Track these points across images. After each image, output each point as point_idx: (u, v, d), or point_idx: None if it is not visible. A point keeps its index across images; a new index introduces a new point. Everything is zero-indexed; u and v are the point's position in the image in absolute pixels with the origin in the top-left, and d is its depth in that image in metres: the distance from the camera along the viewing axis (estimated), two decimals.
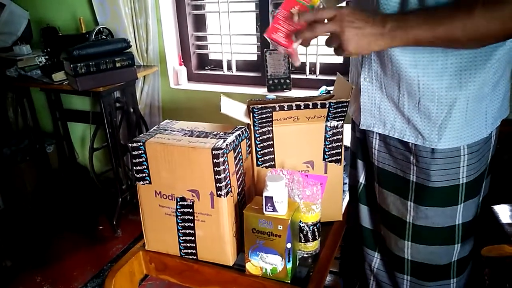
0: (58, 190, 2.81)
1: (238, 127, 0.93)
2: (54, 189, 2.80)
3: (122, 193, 2.39)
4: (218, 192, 0.84)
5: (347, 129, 1.04)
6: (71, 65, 1.96)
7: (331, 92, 1.04)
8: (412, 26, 0.69)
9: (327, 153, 0.97)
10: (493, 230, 1.10)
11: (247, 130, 0.93)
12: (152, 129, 0.94)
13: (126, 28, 2.34)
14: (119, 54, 2.11)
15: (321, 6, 0.78)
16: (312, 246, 0.92)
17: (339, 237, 1.06)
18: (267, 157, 0.97)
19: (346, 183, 1.16)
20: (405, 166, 0.89)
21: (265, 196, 0.78)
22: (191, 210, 0.88)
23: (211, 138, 0.86)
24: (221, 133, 0.89)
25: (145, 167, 0.89)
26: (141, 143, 0.87)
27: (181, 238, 0.92)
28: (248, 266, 0.86)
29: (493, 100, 0.83)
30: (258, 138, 0.94)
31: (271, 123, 0.93)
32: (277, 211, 0.79)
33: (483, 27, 0.66)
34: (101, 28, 2.29)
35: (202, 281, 0.93)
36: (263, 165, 0.97)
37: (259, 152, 0.96)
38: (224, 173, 0.82)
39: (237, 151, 0.88)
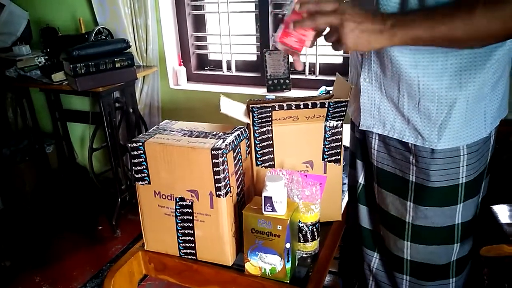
0: (57, 190, 2.81)
1: (238, 127, 0.93)
2: (53, 189, 2.80)
3: (121, 193, 2.39)
4: (217, 192, 0.84)
5: (346, 129, 1.04)
6: (71, 66, 1.96)
7: (331, 92, 1.04)
8: (412, 24, 0.69)
9: (326, 153, 0.97)
10: (492, 230, 1.10)
11: (247, 130, 0.93)
12: (152, 129, 0.94)
13: (126, 29, 2.34)
14: (118, 54, 2.11)
15: None
16: (311, 246, 0.92)
17: (338, 237, 1.06)
18: (266, 157, 0.97)
19: (345, 183, 1.16)
20: (404, 166, 0.89)
21: (264, 196, 0.79)
22: (190, 210, 0.88)
23: (210, 138, 0.86)
24: (221, 133, 0.89)
25: (145, 167, 0.89)
26: (141, 143, 0.87)
27: (180, 238, 0.92)
28: (247, 266, 0.86)
29: (492, 100, 0.83)
30: (257, 138, 0.94)
31: (270, 123, 0.93)
32: (276, 211, 0.79)
33: (483, 26, 0.66)
34: (101, 29, 2.29)
35: (201, 281, 0.93)
36: (262, 165, 0.97)
37: (259, 152, 0.96)
38: (223, 173, 0.82)
39: (236, 151, 0.88)
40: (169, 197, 0.89)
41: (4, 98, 2.74)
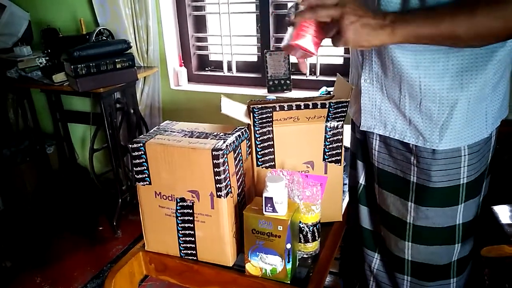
0: (58, 191, 2.81)
1: (238, 127, 0.93)
2: (54, 190, 2.80)
3: (122, 194, 2.39)
4: (218, 193, 0.84)
5: (347, 129, 1.04)
6: (72, 66, 1.96)
7: (331, 92, 1.04)
8: (413, 21, 0.68)
9: (327, 153, 0.97)
10: (493, 230, 1.10)
11: (247, 131, 0.93)
12: (152, 130, 0.94)
13: (127, 29, 2.34)
14: (119, 55, 2.11)
15: None
16: (312, 246, 0.92)
17: (339, 237, 1.06)
18: (267, 158, 0.97)
19: (346, 184, 1.16)
20: (405, 167, 0.89)
21: (265, 197, 0.78)
22: (191, 211, 0.88)
23: (211, 139, 0.86)
24: (221, 134, 0.89)
25: (145, 168, 0.89)
26: (141, 144, 0.87)
27: (181, 238, 0.92)
28: (248, 266, 0.86)
29: (493, 100, 0.83)
30: (258, 139, 0.94)
31: (271, 123, 0.93)
32: (277, 212, 0.79)
33: (485, 25, 0.65)
34: (102, 29, 2.29)
35: (202, 281, 0.93)
36: (263, 166, 0.97)
37: (259, 153, 0.96)
38: (224, 174, 0.82)
39: (237, 151, 0.88)
40: (170, 198, 0.89)
41: (5, 99, 2.75)
